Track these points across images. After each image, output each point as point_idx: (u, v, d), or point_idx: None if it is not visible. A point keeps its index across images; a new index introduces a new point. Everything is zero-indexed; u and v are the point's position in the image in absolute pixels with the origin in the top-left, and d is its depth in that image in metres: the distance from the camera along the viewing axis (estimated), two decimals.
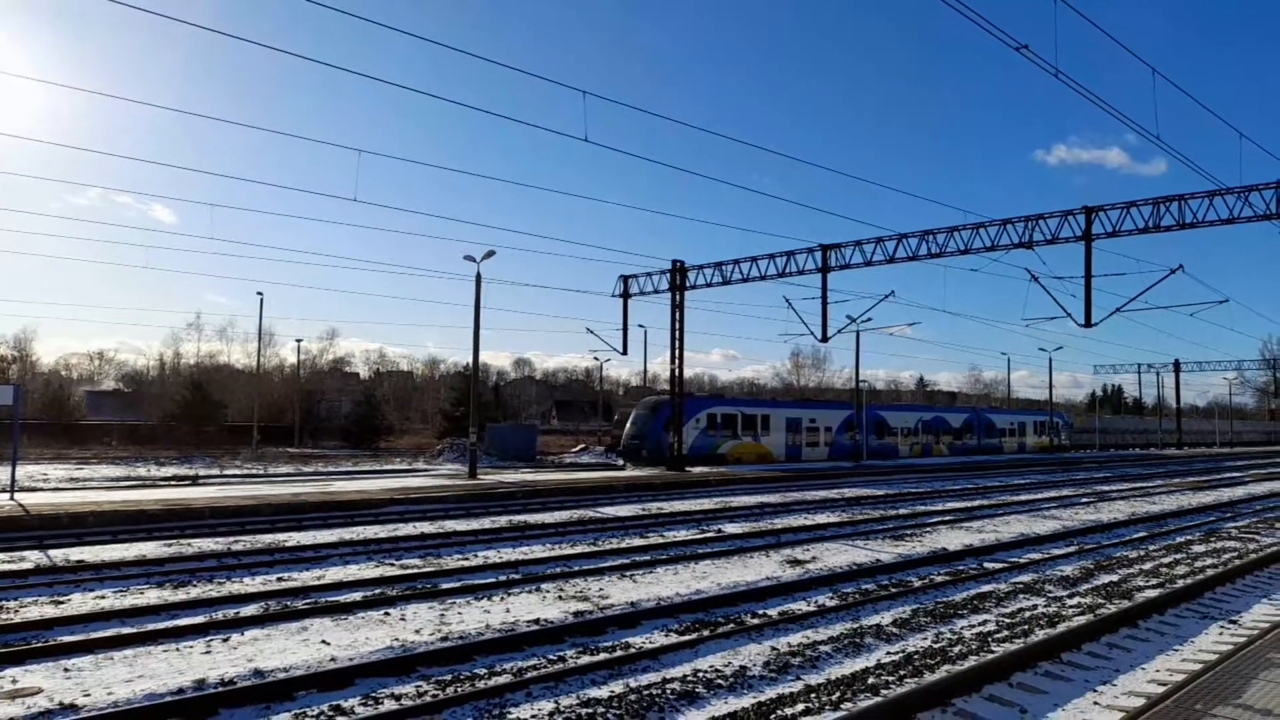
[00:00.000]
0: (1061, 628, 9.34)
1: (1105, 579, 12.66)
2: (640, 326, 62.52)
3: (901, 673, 7.65)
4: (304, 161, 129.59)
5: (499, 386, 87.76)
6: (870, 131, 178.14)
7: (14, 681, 7.07)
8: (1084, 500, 25.96)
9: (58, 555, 13.48)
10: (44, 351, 77.79)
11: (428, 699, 6.81)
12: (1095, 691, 7.29)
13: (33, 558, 13.21)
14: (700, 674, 7.54)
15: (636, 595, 10.87)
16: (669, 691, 7.02)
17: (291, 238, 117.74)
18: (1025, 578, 12.65)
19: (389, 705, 6.68)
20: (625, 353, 38.59)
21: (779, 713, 6.52)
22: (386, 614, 9.65)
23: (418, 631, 8.89)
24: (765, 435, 44.08)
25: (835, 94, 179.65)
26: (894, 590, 11.54)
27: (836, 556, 14.33)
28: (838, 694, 7.00)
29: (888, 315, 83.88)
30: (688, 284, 36.05)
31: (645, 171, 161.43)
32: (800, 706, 6.68)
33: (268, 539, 15.58)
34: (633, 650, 8.28)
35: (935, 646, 8.63)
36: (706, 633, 9.03)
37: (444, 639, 8.61)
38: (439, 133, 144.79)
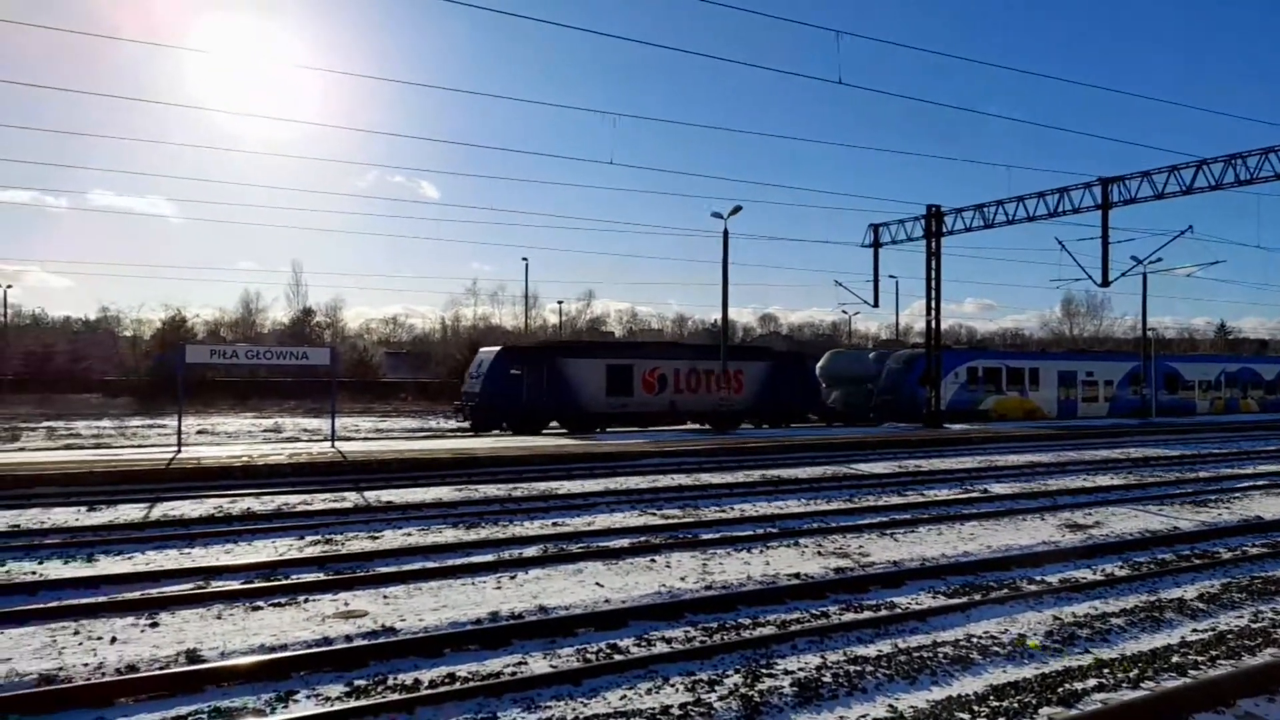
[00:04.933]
0: None
1: None
2: (891, 277, 60.37)
3: (1213, 653, 6.85)
4: (564, 128, 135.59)
5: (745, 342, 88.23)
6: (1161, 43, 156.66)
7: (346, 604, 8.20)
8: None
9: (371, 496, 15.43)
10: (350, 317, 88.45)
11: (696, 644, 7.06)
12: None
13: (351, 498, 15.22)
14: (974, 639, 7.21)
15: (898, 554, 10.58)
16: (940, 655, 6.78)
17: (553, 203, 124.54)
18: None
19: (661, 648, 7.00)
20: (876, 305, 37.37)
21: (1067, 686, 6.09)
22: (653, 560, 10.10)
23: (682, 579, 9.23)
24: (1034, 390, 40.90)
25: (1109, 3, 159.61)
26: (1197, 562, 10.34)
27: (1124, 522, 13.07)
28: (1135, 670, 6.40)
29: (1182, 254, 73.67)
30: (944, 229, 34.06)
31: (900, 111, 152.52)
32: (1091, 681, 6.19)
33: (541, 486, 16.84)
34: (898, 610, 8.08)
35: (1254, 626, 7.65)
36: (978, 596, 8.62)
37: (708, 587, 8.88)
38: (690, 89, 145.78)
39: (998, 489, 17.09)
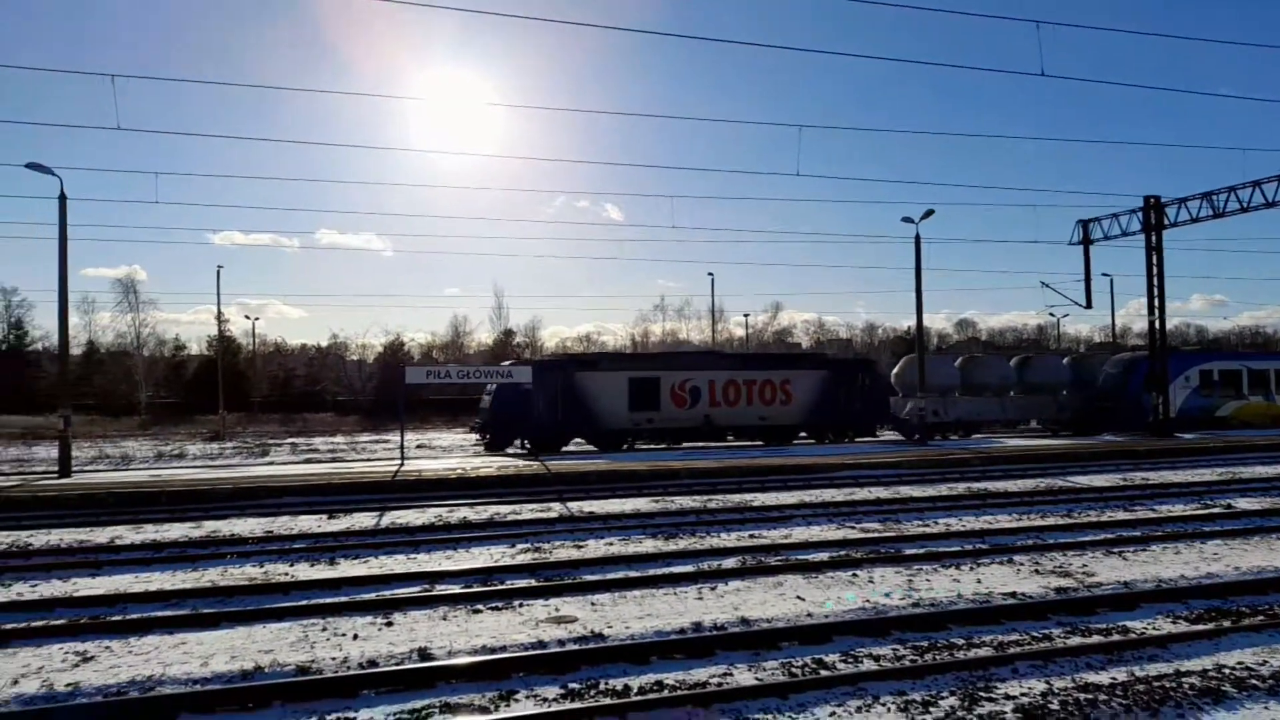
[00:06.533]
0: None
1: None
2: (1105, 275, 55.85)
3: None
4: (749, 143, 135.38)
5: (941, 349, 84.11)
6: None
7: (557, 610, 8.58)
8: None
9: (574, 507, 16.06)
10: (546, 336, 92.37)
11: (906, 663, 6.83)
12: None
13: (556, 508, 15.90)
14: (1225, 670, 6.51)
15: (1129, 574, 9.75)
16: (1186, 686, 6.18)
17: (738, 218, 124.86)
18: None
19: (869, 665, 6.83)
20: (1089, 305, 34.52)
21: None
22: (854, 575, 9.87)
23: (887, 595, 8.96)
24: None
25: None
26: None
27: None
28: None
29: None
30: (1165, 222, 31.11)
31: (1111, 100, 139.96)
32: None
33: (736, 499, 16.86)
34: (1133, 635, 7.46)
35: None
36: (1227, 623, 7.80)
37: (915, 605, 8.57)
38: (880, 94, 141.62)
39: (1245, 504, 15.37)
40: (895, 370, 34.99)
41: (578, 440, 29.56)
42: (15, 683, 6.65)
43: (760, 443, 30.56)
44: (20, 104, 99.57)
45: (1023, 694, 6.10)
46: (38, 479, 21.77)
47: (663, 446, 29.70)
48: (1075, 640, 7.40)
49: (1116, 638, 7.39)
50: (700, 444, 30.06)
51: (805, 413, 31.04)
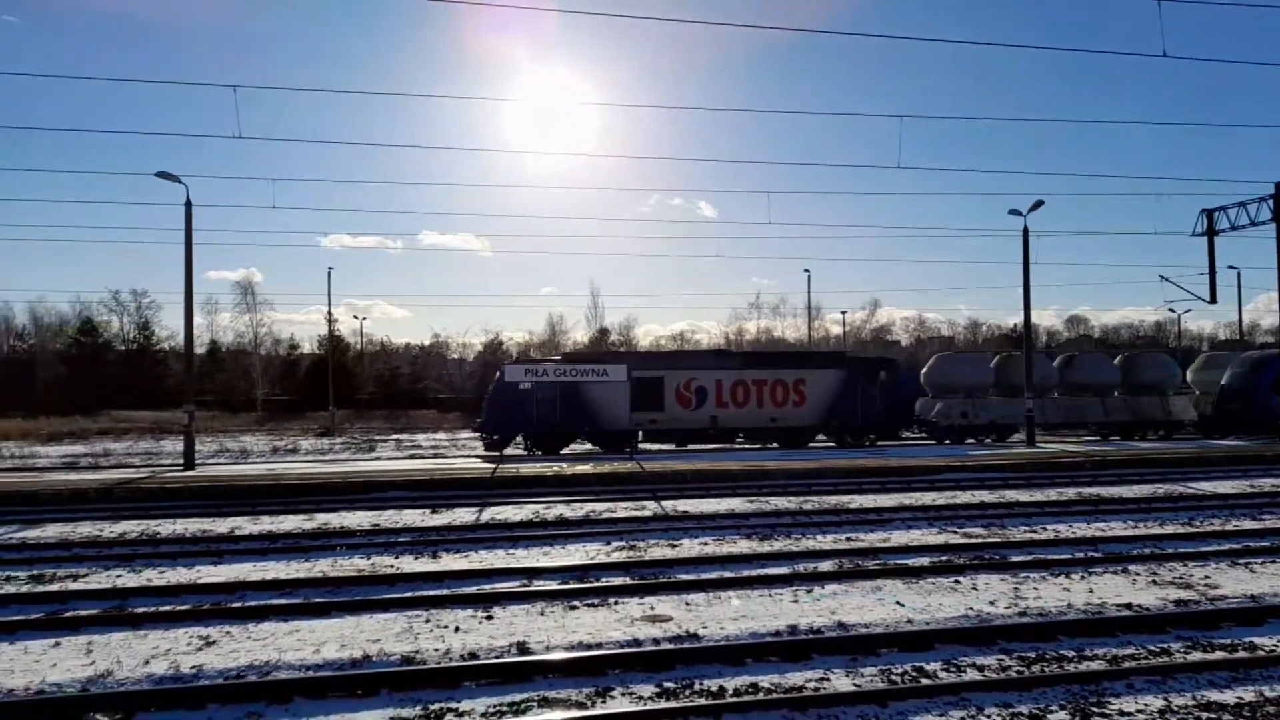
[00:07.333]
0: None
1: None
2: (1231, 268, 52.68)
3: None
4: (850, 136, 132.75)
5: (1050, 347, 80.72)
6: None
7: (651, 609, 8.63)
8: None
9: (668, 505, 16.12)
10: (640, 335, 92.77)
11: (1012, 674, 6.60)
12: None
13: (650, 507, 15.99)
14: None
15: (1256, 588, 9.17)
16: None
17: (836, 214, 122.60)
18: None
19: (972, 675, 6.63)
20: (1213, 300, 32.60)
21: None
22: (957, 581, 9.59)
23: (992, 603, 8.67)
24: None
25: None
26: None
27: None
28: None
29: None
30: None
31: (1241, 80, 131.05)
32: None
33: (832, 500, 16.60)
34: (1261, 653, 7.01)
35: None
36: None
37: (1021, 614, 8.27)
38: (985, 82, 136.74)
39: None
40: (924, 369, 33.35)
41: (579, 441, 29.28)
42: (146, 663, 7.11)
43: (774, 445, 29.57)
44: (150, 116, 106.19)
45: (1138, 710, 5.82)
46: (164, 471, 23.20)
47: (669, 448, 28.87)
48: (1196, 656, 7.01)
49: (1242, 654, 6.97)
50: (707, 446, 29.07)
51: (820, 414, 29.69)
